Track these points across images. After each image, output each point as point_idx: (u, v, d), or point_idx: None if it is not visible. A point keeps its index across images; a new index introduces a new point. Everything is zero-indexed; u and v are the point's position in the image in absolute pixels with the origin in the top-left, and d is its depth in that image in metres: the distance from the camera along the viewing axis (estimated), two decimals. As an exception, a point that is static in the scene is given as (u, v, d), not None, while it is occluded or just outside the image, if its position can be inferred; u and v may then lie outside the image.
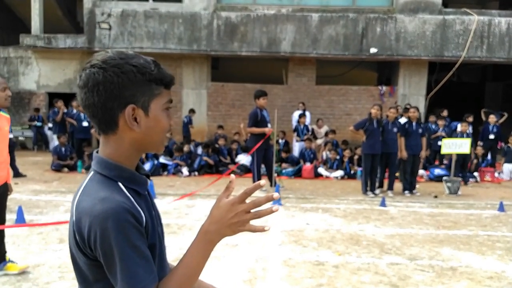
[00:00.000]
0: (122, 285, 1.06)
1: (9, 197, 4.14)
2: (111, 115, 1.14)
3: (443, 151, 9.49)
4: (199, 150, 11.87)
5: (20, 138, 14.25)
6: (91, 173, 1.19)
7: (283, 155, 11.72)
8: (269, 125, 8.61)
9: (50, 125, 13.41)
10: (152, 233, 1.17)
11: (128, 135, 1.16)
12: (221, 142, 12.03)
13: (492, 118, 11.83)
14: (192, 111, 13.30)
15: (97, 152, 1.21)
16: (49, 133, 14.02)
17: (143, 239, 1.10)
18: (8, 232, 4.77)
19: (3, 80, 3.93)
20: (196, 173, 10.91)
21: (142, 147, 1.21)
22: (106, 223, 1.05)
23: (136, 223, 1.09)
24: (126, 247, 1.06)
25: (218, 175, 10.94)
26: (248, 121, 8.82)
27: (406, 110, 10.32)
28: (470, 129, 10.77)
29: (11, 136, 5.27)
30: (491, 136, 11.78)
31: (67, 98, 12.80)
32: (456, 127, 12.13)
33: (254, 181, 8.81)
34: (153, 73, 1.16)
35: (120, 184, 1.15)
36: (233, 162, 11.64)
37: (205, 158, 11.24)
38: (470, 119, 11.30)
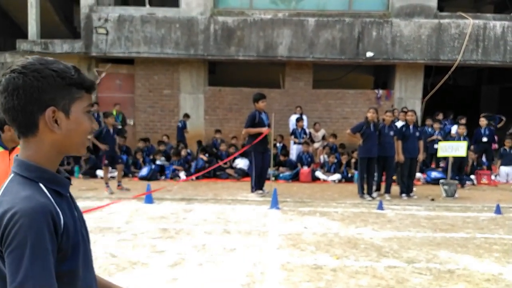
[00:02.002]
0: (22, 283, 1.04)
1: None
2: (31, 118, 1.16)
3: (440, 154, 9.52)
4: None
5: (17, 144, 14.20)
6: (11, 175, 1.20)
7: (282, 158, 11.73)
8: (266, 127, 8.60)
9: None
10: (74, 233, 1.18)
11: (49, 137, 1.19)
12: (222, 147, 11.98)
13: (483, 121, 11.92)
14: (186, 115, 13.22)
15: (17, 155, 1.22)
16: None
17: (53, 247, 1.10)
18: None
19: None
20: (194, 177, 10.91)
21: (64, 149, 1.23)
22: (23, 220, 1.06)
23: (53, 228, 1.10)
24: (38, 248, 1.06)
25: (216, 179, 10.98)
26: (245, 122, 8.84)
27: (403, 112, 10.37)
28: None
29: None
30: (484, 139, 11.86)
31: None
32: (449, 130, 12.20)
33: (252, 185, 8.79)
34: (73, 77, 1.20)
35: (41, 185, 1.16)
36: (231, 166, 11.64)
37: (201, 155, 11.25)
38: (463, 121, 11.38)
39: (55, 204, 1.14)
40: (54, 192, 1.18)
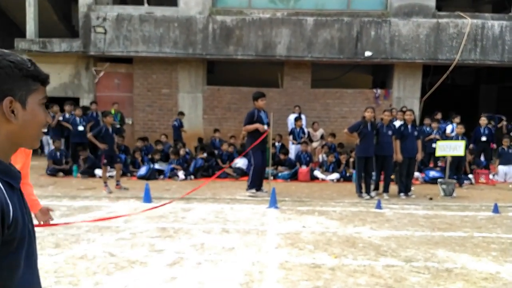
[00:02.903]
0: None
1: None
2: None
3: (438, 153, 9.53)
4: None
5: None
6: None
7: (282, 156, 11.74)
8: (265, 126, 8.56)
9: (44, 129, 13.35)
10: (22, 227, 1.18)
11: (5, 127, 1.20)
12: (224, 147, 11.95)
13: (483, 121, 11.96)
14: (181, 113, 13.14)
15: None
16: (44, 137, 13.97)
17: None
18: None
19: None
20: (192, 176, 10.91)
21: (18, 140, 1.25)
22: None
23: (0, 220, 1.10)
24: None
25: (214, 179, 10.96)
26: (244, 120, 8.82)
27: (401, 112, 10.39)
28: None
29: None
30: (483, 138, 11.89)
31: (63, 102, 12.75)
32: (445, 129, 12.22)
33: (248, 183, 8.72)
34: (30, 69, 1.23)
35: None
36: (229, 165, 11.63)
37: (200, 155, 11.25)
38: (457, 119, 11.42)
39: (6, 196, 1.15)
40: (7, 184, 1.18)
